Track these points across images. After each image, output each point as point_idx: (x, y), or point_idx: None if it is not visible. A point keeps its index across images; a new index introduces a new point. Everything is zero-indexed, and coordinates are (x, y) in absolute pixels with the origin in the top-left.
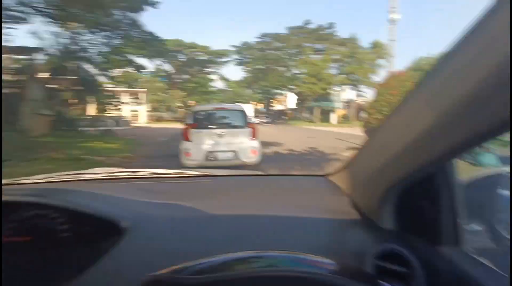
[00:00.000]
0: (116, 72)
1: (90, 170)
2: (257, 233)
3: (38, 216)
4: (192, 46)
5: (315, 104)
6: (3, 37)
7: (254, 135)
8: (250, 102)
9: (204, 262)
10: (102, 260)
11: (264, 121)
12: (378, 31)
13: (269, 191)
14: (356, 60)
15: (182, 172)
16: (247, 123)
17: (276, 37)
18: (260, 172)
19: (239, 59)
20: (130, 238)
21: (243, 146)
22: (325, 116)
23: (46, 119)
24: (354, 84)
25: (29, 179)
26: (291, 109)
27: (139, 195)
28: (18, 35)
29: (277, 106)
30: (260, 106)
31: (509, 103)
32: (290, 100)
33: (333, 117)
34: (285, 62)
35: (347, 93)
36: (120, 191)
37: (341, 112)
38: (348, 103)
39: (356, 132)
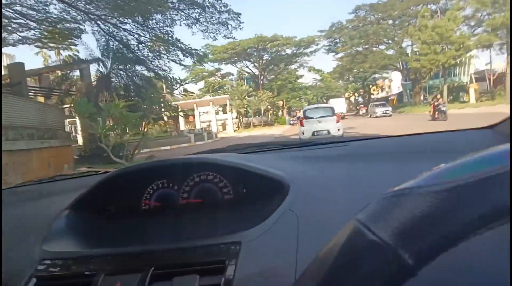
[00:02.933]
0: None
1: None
2: None
3: (206, 181)
4: (275, 39)
5: (436, 82)
6: None
7: (338, 120)
8: (346, 93)
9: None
10: (271, 215)
11: (347, 113)
12: None
13: (422, 151)
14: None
15: (309, 141)
16: (334, 114)
17: (374, 7)
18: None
19: (329, 45)
20: (295, 195)
21: (332, 126)
22: (455, 95)
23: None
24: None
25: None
26: (395, 94)
27: (287, 161)
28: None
29: (380, 93)
30: (356, 96)
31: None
32: (394, 83)
33: (470, 94)
34: (390, 35)
35: (480, 60)
36: (268, 158)
37: (474, 86)
38: (489, 73)
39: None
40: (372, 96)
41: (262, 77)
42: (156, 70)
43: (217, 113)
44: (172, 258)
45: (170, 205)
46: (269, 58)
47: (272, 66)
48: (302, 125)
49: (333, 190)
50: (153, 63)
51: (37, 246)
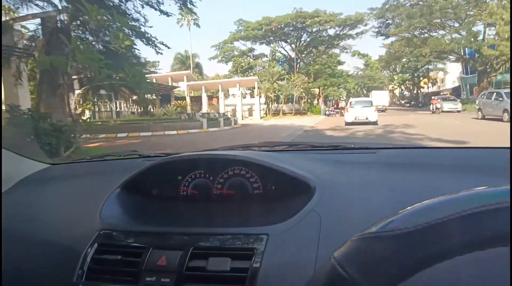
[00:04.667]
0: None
1: (257, 143)
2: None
3: (239, 175)
4: (316, 14)
5: (506, 76)
6: None
7: (375, 110)
8: (390, 85)
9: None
10: (297, 213)
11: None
12: None
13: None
14: None
15: (339, 144)
16: (372, 104)
17: None
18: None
19: (379, 27)
20: (320, 197)
21: (371, 114)
22: None
23: None
24: None
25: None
26: (449, 89)
27: (316, 163)
28: None
29: (431, 88)
30: (403, 89)
31: None
32: (449, 77)
33: None
34: (460, 14)
35: None
36: (298, 158)
37: None
38: None
39: None
40: (422, 90)
41: (298, 60)
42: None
43: (244, 96)
44: (209, 241)
45: (205, 194)
46: (308, 39)
47: (311, 48)
48: (347, 111)
49: (357, 196)
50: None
51: (96, 217)
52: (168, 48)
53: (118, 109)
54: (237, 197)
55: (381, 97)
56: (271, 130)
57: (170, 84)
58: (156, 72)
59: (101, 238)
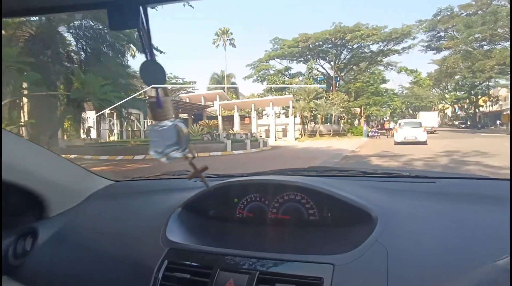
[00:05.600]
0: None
1: (308, 168)
2: None
3: (294, 200)
4: (357, 28)
5: None
6: None
7: (424, 130)
8: (441, 105)
9: None
10: (361, 243)
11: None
12: None
13: None
14: None
15: (393, 172)
16: (421, 126)
17: None
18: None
19: (429, 40)
20: (383, 228)
21: (420, 134)
22: None
23: None
24: None
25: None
26: None
27: (370, 191)
28: None
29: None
30: (455, 109)
31: None
32: None
33: None
34: None
35: None
36: (351, 185)
37: None
38: None
39: None
40: (481, 109)
41: (338, 79)
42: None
43: (278, 116)
44: (275, 266)
45: (260, 217)
46: (348, 56)
47: (352, 66)
48: (396, 132)
49: (422, 229)
50: None
51: (162, 234)
52: (161, 53)
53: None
54: (292, 222)
55: (429, 118)
56: (302, 155)
57: (202, 103)
58: (193, 92)
59: (169, 256)
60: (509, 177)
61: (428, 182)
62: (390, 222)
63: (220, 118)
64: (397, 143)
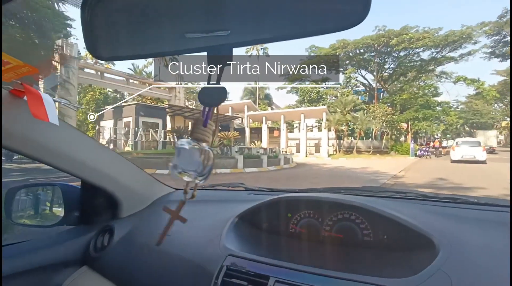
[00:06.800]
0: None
1: (362, 187)
2: None
3: (349, 220)
4: (404, 32)
5: None
6: None
7: (483, 149)
8: (504, 122)
9: None
10: (422, 270)
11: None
12: None
13: None
14: None
15: (458, 197)
16: (480, 145)
17: None
18: None
19: (493, 46)
20: (446, 256)
21: (478, 153)
22: None
23: None
24: None
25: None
26: None
27: (431, 215)
28: None
29: None
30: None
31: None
32: None
33: None
34: None
35: None
36: (409, 208)
37: None
38: None
39: None
40: None
41: (382, 90)
42: None
43: (310, 130)
44: (329, 283)
45: (313, 234)
46: (393, 65)
47: (397, 76)
48: (454, 150)
49: (492, 263)
50: None
51: (221, 242)
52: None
53: (163, 139)
54: (345, 241)
55: (488, 137)
56: (329, 178)
57: (230, 114)
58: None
59: (228, 262)
60: None
61: (500, 211)
62: (455, 251)
63: (247, 130)
64: (453, 162)
